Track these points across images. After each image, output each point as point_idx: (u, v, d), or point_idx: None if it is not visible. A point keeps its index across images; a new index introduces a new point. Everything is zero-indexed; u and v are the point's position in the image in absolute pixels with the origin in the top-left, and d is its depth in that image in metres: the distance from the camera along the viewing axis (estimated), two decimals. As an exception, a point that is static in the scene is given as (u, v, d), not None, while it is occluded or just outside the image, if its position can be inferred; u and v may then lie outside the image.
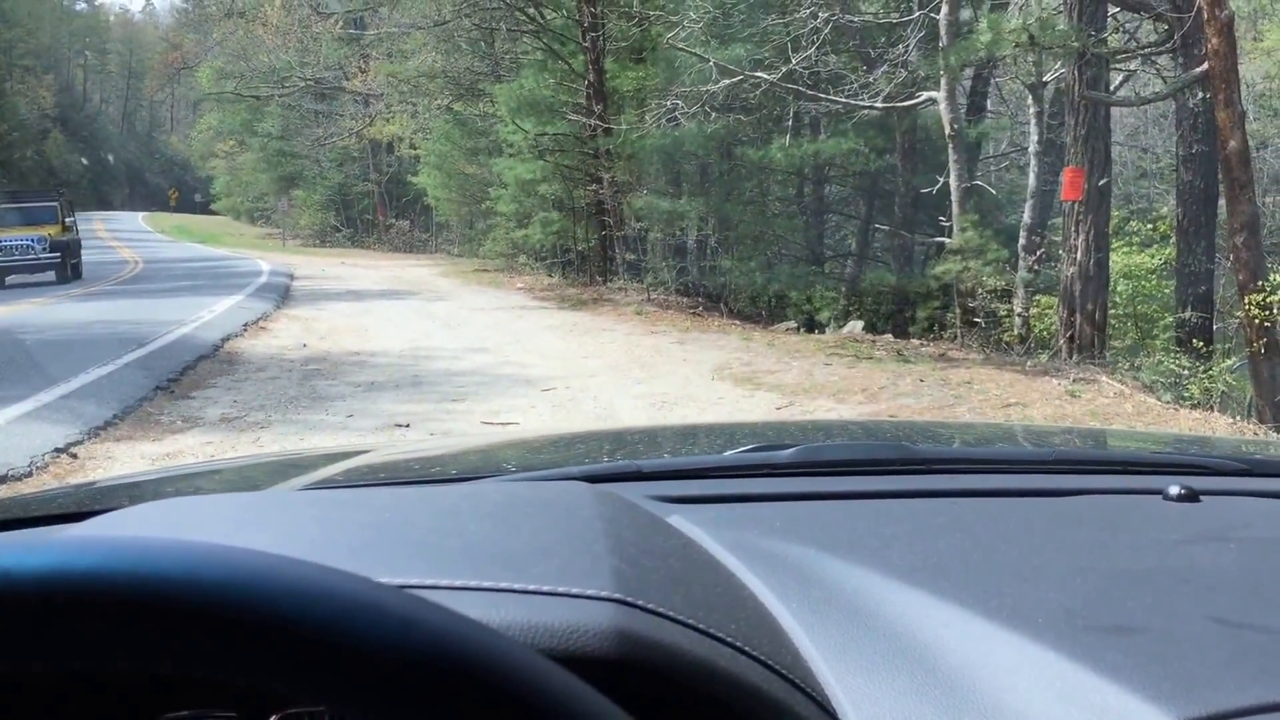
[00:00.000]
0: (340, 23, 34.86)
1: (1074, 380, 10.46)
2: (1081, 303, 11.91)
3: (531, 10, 22.61)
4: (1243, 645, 0.86)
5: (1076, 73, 11.74)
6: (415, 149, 45.09)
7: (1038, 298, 14.14)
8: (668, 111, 15.57)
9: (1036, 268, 13.67)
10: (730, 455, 1.52)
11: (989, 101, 19.76)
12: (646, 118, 16.07)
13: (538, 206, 24.52)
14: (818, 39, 13.85)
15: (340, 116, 42.78)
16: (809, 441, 1.74)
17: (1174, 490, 1.33)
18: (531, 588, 0.79)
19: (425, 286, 22.89)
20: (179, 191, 71.92)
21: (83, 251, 37.24)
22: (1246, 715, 0.75)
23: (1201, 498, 1.32)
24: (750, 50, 16.03)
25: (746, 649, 0.78)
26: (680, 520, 1.16)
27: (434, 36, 29.75)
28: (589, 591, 0.79)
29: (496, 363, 12.02)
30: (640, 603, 0.78)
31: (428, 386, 10.49)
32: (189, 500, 1.18)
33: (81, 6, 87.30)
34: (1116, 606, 0.95)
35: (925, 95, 14.72)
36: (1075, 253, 11.90)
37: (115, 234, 48.06)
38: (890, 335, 14.37)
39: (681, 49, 14.58)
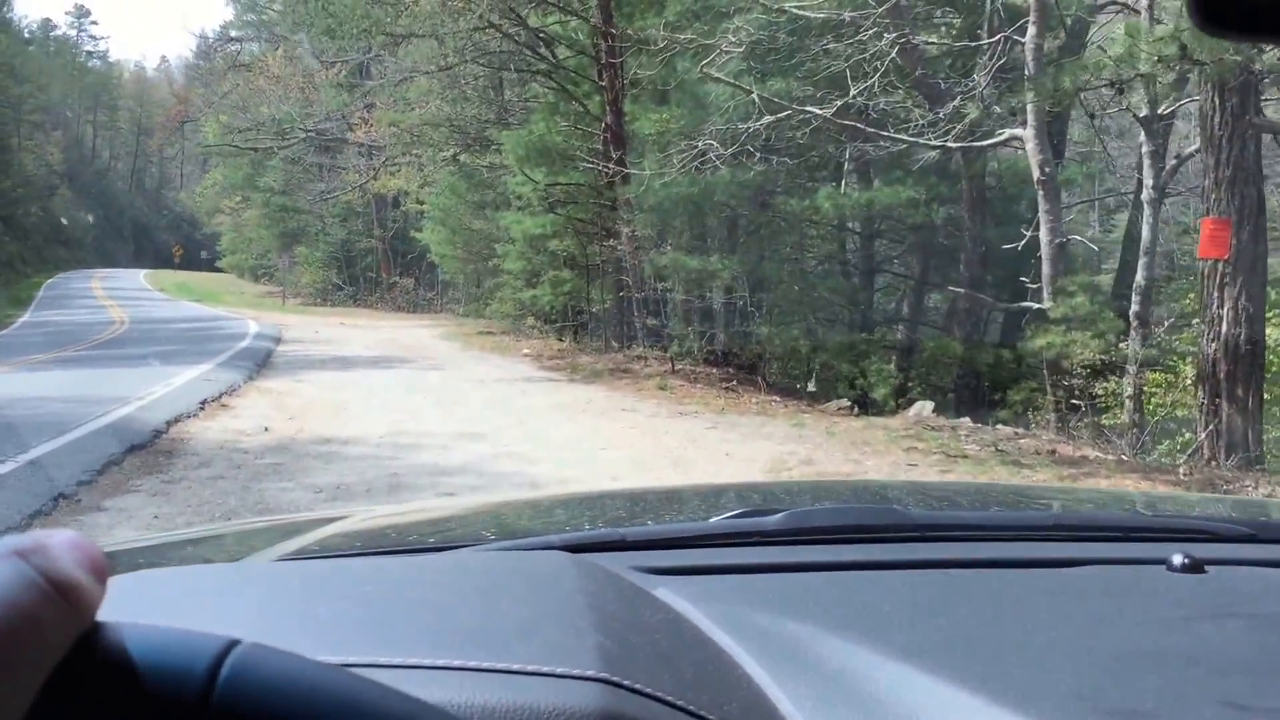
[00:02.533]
0: (343, 70, 32.71)
1: (1243, 493, 7.90)
2: (1229, 387, 9.33)
3: (542, 49, 20.28)
4: None
5: (1217, 99, 9.25)
6: (421, 204, 42.96)
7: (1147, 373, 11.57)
8: (698, 155, 13.13)
9: (1152, 340, 11.12)
10: (716, 522, 1.43)
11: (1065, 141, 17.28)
12: (674, 159, 13.61)
13: (547, 264, 22.10)
14: (881, 65, 11.41)
15: (344, 170, 40.61)
16: (796, 504, 1.70)
17: (1178, 560, 1.24)
18: (515, 667, 0.74)
19: (422, 352, 20.40)
20: (184, 249, 69.82)
21: (69, 312, 35.23)
22: None
23: (1207, 568, 1.24)
24: (793, 84, 13.64)
25: None
26: (666, 593, 1.10)
27: (439, 83, 27.52)
28: (574, 671, 0.74)
29: (494, 455, 9.54)
30: (628, 683, 0.74)
31: (408, 491, 8.08)
32: (160, 574, 1.14)
33: (95, 63, 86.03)
34: (1126, 689, 0.89)
35: (1006, 133, 12.25)
36: (1219, 324, 9.36)
37: (112, 292, 45.77)
38: (968, 420, 11.78)
39: (718, 78, 12.15)
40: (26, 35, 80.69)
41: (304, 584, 1.03)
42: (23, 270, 57.65)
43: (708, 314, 17.84)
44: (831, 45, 12.44)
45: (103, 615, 0.50)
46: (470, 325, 30.31)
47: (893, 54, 11.71)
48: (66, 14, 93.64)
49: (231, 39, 46.45)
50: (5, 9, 76.59)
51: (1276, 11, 0.72)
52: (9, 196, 59.46)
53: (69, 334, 25.28)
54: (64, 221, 68.65)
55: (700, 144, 12.98)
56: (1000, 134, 12.44)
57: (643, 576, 1.17)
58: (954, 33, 13.87)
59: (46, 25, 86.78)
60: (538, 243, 21.37)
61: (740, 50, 13.03)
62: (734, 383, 14.87)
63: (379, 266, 42.63)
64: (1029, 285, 12.33)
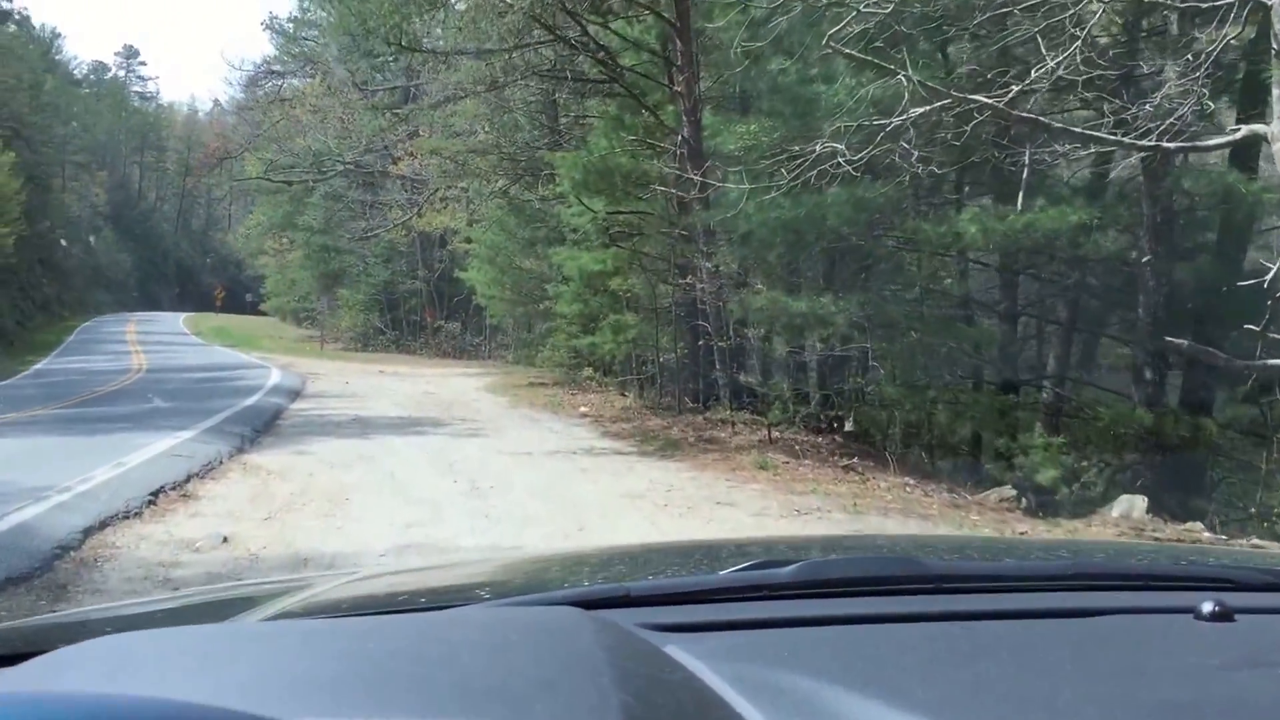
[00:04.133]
0: (384, 95, 29.91)
1: None
2: None
3: (602, 55, 17.14)
4: None
5: None
6: (468, 241, 40.01)
7: None
8: (813, 164, 9.83)
9: None
10: (725, 575, 1.36)
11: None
12: (781, 173, 10.31)
13: (607, 306, 18.88)
14: (1081, 34, 8.07)
15: (386, 207, 37.80)
16: (806, 558, 1.54)
17: (1207, 608, 1.20)
18: None
19: (462, 409, 17.19)
20: (228, 291, 67.46)
21: (88, 359, 32.56)
22: None
23: (1237, 616, 1.19)
24: (934, 71, 10.38)
25: None
26: (677, 650, 1.06)
27: (486, 106, 24.57)
28: None
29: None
30: None
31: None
32: (139, 637, 1.06)
33: (144, 104, 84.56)
34: None
35: (1244, 130, 8.84)
36: None
37: (144, 337, 43.21)
38: (1200, 524, 8.31)
39: (854, 54, 8.85)
40: (77, 76, 79.51)
41: (302, 643, 1.00)
42: (59, 313, 55.52)
43: (803, 368, 14.48)
44: (1008, 10, 9.12)
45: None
46: (519, 375, 27.17)
47: (1097, 17, 8.34)
48: (115, 54, 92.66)
49: (273, 71, 44.02)
50: (54, 51, 75.42)
51: None
52: (48, 238, 57.46)
53: (70, 385, 22.42)
54: (105, 263, 66.65)
55: (818, 147, 9.68)
56: (1233, 131, 9.05)
57: (650, 634, 1.12)
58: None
59: (98, 67, 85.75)
60: (596, 281, 18.17)
61: (870, 25, 9.74)
62: (852, 458, 11.49)
63: (423, 309, 39.67)
64: (1250, 331, 8.87)
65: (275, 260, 52.63)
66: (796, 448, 12.11)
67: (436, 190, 32.60)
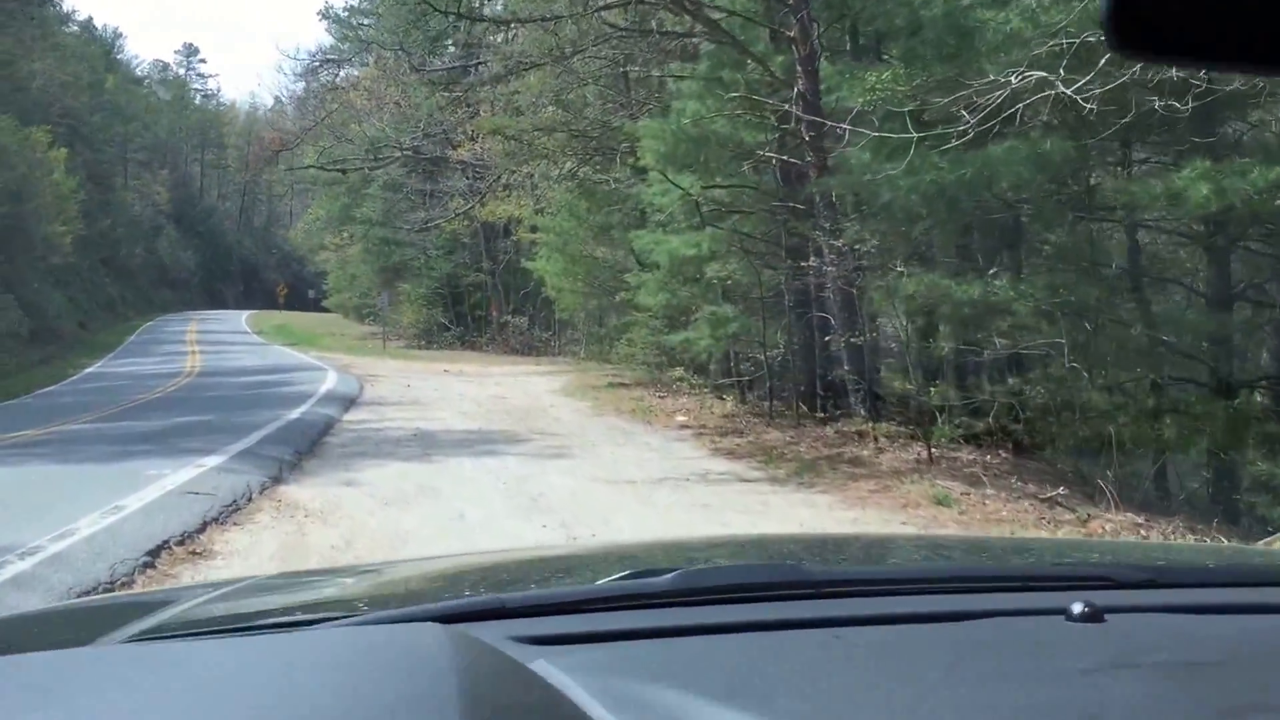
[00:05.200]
0: (441, 75, 27.50)
1: None
2: None
3: (691, 2, 14.46)
4: None
5: None
6: (534, 231, 37.54)
7: None
8: (979, 113, 7.14)
9: None
10: (603, 585, 1.34)
11: None
12: (934, 127, 7.62)
13: (700, 297, 16.29)
14: None
15: (447, 196, 35.42)
16: (692, 562, 1.65)
17: (1077, 609, 1.20)
18: None
19: (539, 419, 14.68)
20: (290, 288, 65.76)
21: (142, 361, 30.58)
22: None
23: (1106, 616, 1.20)
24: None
25: None
26: (545, 665, 1.03)
27: (552, 78, 22.03)
28: None
29: None
30: None
31: None
32: None
33: (204, 101, 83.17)
34: None
35: None
36: None
37: (205, 336, 41.31)
38: None
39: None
40: (138, 74, 78.28)
41: (148, 672, 0.99)
42: (123, 312, 54.03)
43: (960, 369, 11.71)
44: None
45: None
46: (594, 373, 24.65)
47: None
48: (176, 53, 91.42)
49: (328, 60, 41.85)
50: (115, 50, 74.19)
51: (1190, 35, 0.68)
52: (110, 237, 55.96)
53: (112, 392, 20.28)
54: (168, 262, 65.21)
55: (1008, 83, 7.01)
56: None
57: (522, 648, 1.09)
58: None
59: (159, 66, 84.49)
60: (688, 268, 15.58)
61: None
62: (1053, 485, 8.77)
63: (488, 304, 37.25)
64: None
65: (336, 255, 50.59)
66: (968, 471, 9.44)
67: (499, 176, 30.13)
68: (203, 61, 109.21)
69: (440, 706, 0.82)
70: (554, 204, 25.92)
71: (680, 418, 14.54)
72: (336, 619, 1.23)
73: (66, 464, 10.58)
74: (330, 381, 20.28)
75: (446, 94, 28.23)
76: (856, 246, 10.92)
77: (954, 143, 9.25)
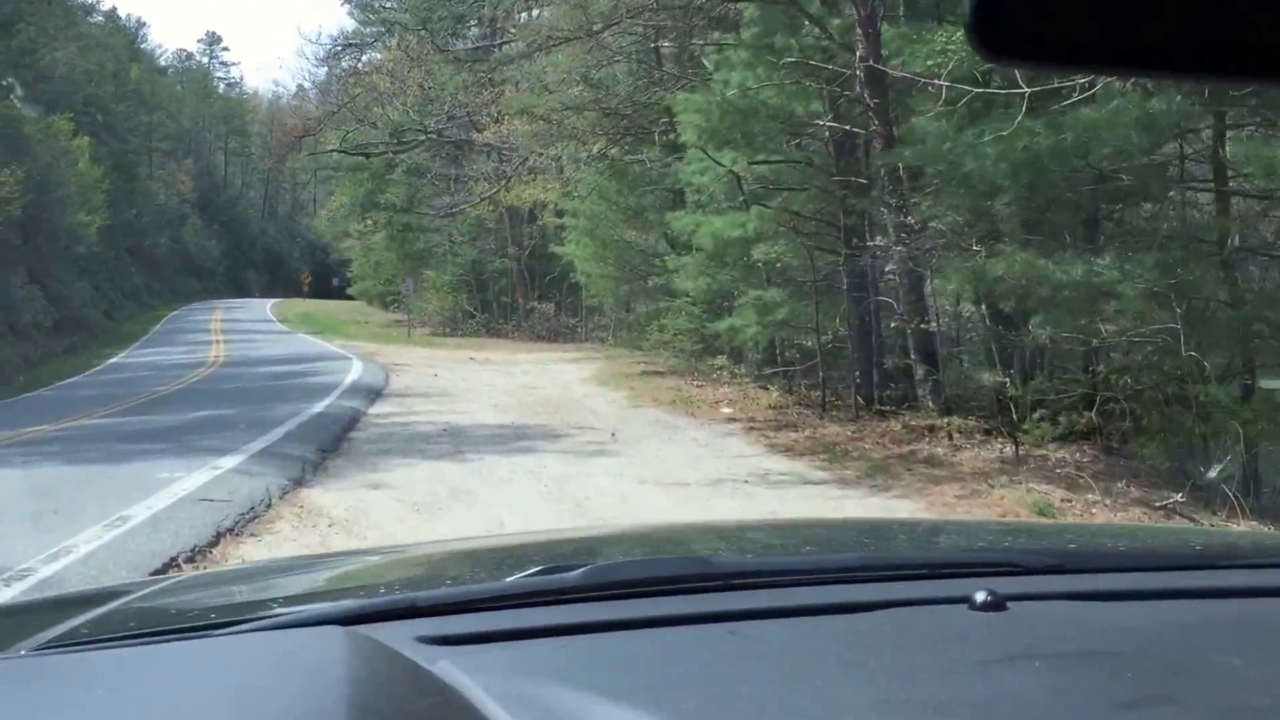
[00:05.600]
0: (465, 54, 26.51)
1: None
2: None
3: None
4: None
5: None
6: (560, 216, 36.51)
7: None
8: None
9: None
10: (514, 581, 1.32)
11: None
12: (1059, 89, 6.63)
13: (744, 280, 15.29)
14: None
15: (471, 180, 34.44)
16: (609, 554, 1.68)
17: (980, 597, 1.18)
18: None
19: (574, 412, 13.71)
20: (314, 276, 64.87)
21: (166, 351, 29.78)
22: None
23: (1009, 604, 1.18)
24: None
25: None
26: (447, 666, 1.01)
27: (581, 52, 20.96)
28: None
29: None
30: None
31: None
32: None
33: (227, 89, 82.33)
34: None
35: None
36: None
37: (229, 325, 40.50)
38: None
39: None
40: (162, 64, 77.56)
41: (44, 686, 0.98)
42: (149, 302, 53.33)
43: (1050, 360, 10.61)
44: None
45: None
46: (624, 361, 23.68)
47: None
48: (199, 41, 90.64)
49: (350, 45, 40.78)
50: (139, 39, 73.46)
51: (1058, 38, 0.67)
52: (135, 226, 55.26)
53: (133, 384, 19.45)
54: (193, 251, 64.54)
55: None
56: None
57: (426, 649, 1.07)
58: None
59: (183, 55, 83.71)
60: (732, 251, 14.56)
61: None
62: (1159, 488, 7.74)
63: (514, 290, 36.29)
64: None
65: (360, 243, 49.65)
66: (1060, 471, 8.41)
67: (526, 159, 29.14)
68: (225, 50, 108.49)
69: (330, 717, 0.77)
70: (583, 186, 24.94)
71: (725, 409, 13.55)
72: (242, 623, 1.18)
73: (75, 465, 9.68)
74: (355, 372, 19.37)
75: (471, 73, 27.21)
76: (932, 223, 9.85)
77: (1059, 104, 8.21)
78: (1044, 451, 8.96)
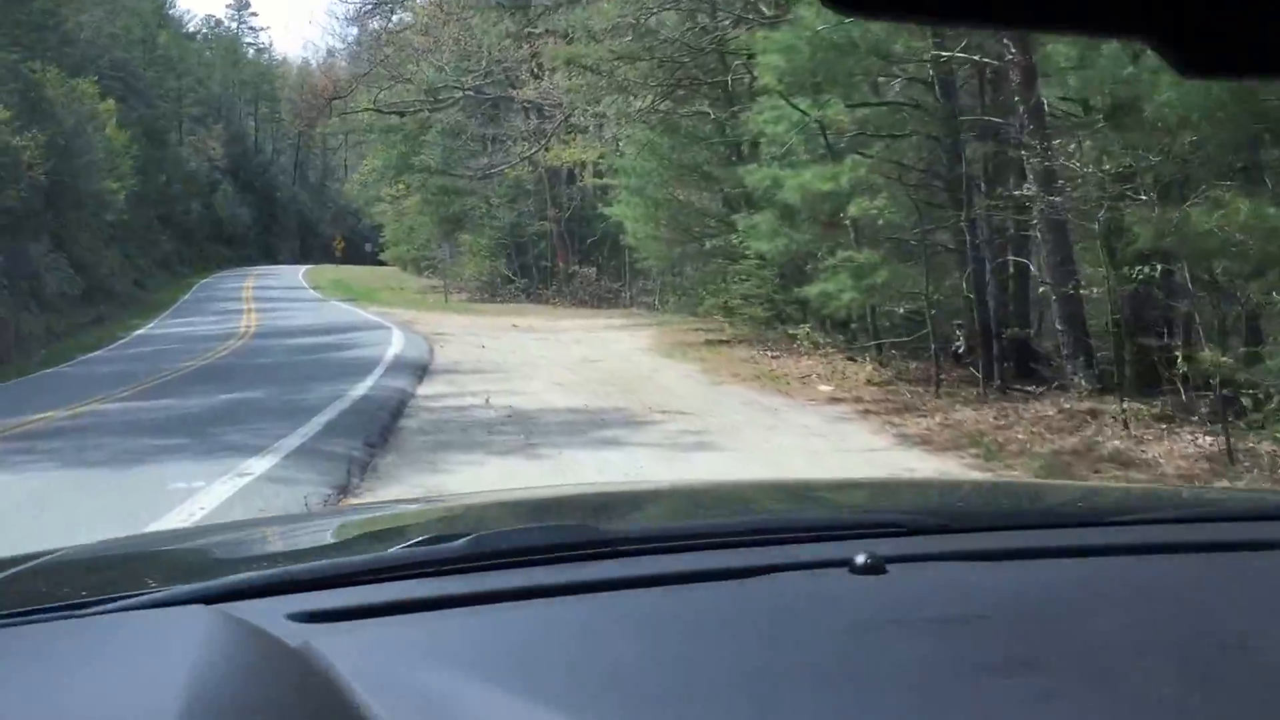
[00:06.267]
0: (509, 5, 24.63)
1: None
2: None
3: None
4: None
5: None
6: (600, 177, 34.60)
7: None
8: None
9: None
10: (395, 553, 1.26)
11: None
12: None
13: (827, 240, 13.47)
14: None
15: (510, 140, 32.59)
16: (506, 522, 1.66)
17: (859, 560, 1.15)
18: None
19: (650, 390, 11.92)
20: (347, 242, 63.19)
21: (196, 321, 28.22)
22: None
23: (889, 567, 1.15)
24: None
25: None
26: (314, 645, 0.96)
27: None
28: None
29: None
30: None
31: None
32: None
33: (256, 55, 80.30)
34: None
35: None
36: None
37: (261, 293, 38.90)
38: None
39: None
40: (190, 29, 75.75)
41: None
42: (180, 270, 51.82)
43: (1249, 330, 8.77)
44: None
45: None
46: (678, 327, 21.93)
47: None
48: (227, 6, 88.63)
49: (381, 2, 38.87)
50: (167, 5, 71.64)
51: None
52: (166, 193, 53.70)
53: (158, 358, 17.87)
54: (225, 217, 63.03)
55: None
56: None
57: (295, 627, 1.02)
58: None
59: (211, 21, 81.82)
60: (822, 206, 12.73)
61: None
62: None
63: (554, 254, 34.49)
64: None
65: (392, 208, 47.91)
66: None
67: (569, 115, 27.27)
68: (254, 15, 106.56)
69: (181, 701, 0.75)
70: (632, 144, 23.06)
71: (823, 387, 11.75)
72: (109, 603, 1.11)
73: (74, 468, 8.00)
74: (396, 344, 17.65)
75: (512, 22, 25.29)
76: (1106, 168, 7.98)
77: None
78: (1259, 445, 7.13)
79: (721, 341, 17.96)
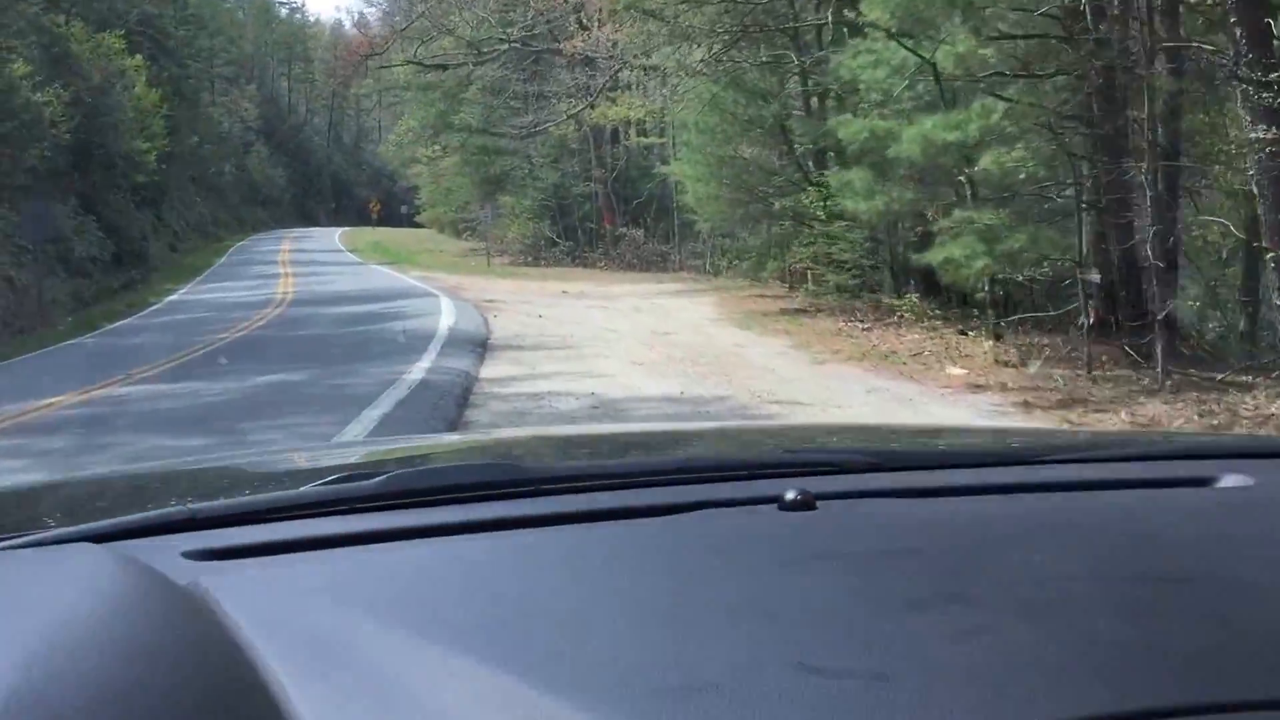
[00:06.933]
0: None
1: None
2: None
3: None
4: (829, 697, 0.70)
5: None
6: (644, 135, 32.76)
7: None
8: None
9: None
10: (306, 490, 1.21)
11: None
12: None
13: (942, 199, 11.68)
14: None
15: (555, 97, 30.76)
16: (422, 466, 1.60)
17: (790, 496, 1.12)
18: None
19: (747, 374, 10.15)
20: (383, 204, 61.63)
21: (231, 286, 26.64)
22: None
23: (818, 503, 1.12)
24: None
25: None
26: (205, 584, 0.90)
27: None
28: None
29: None
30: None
31: None
32: None
33: (288, 13, 78.37)
34: (695, 656, 0.77)
35: None
36: None
37: (297, 256, 37.35)
38: None
39: None
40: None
41: None
42: (214, 232, 50.40)
43: None
44: None
45: None
46: (740, 292, 20.29)
47: None
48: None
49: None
50: (199, -38, 69.80)
51: None
52: (199, 154, 52.13)
53: (191, 329, 16.36)
54: (259, 180, 61.56)
55: None
56: None
57: (189, 565, 0.96)
58: None
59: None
60: (940, 160, 10.92)
61: None
62: None
63: (599, 215, 32.70)
64: None
65: (428, 169, 46.25)
66: None
67: (619, 69, 25.41)
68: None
69: (58, 640, 0.70)
70: (693, 97, 21.22)
71: (954, 370, 9.95)
72: (11, 536, 1.08)
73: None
74: (447, 314, 15.92)
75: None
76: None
77: None
78: None
79: (798, 310, 16.23)
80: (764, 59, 19.27)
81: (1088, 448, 1.61)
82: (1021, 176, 10.09)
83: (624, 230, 31.49)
